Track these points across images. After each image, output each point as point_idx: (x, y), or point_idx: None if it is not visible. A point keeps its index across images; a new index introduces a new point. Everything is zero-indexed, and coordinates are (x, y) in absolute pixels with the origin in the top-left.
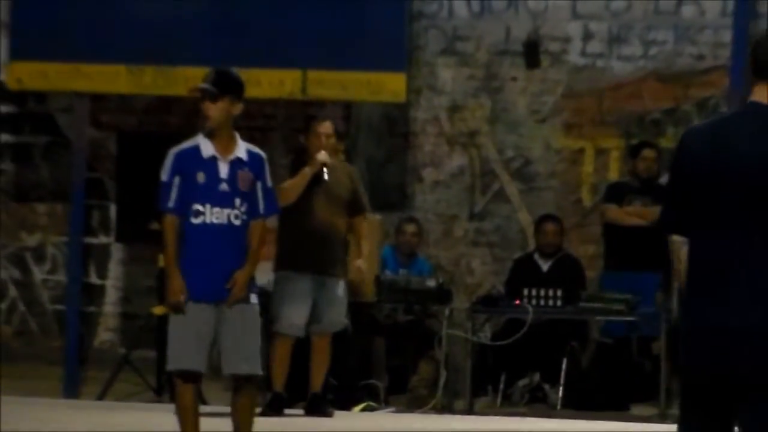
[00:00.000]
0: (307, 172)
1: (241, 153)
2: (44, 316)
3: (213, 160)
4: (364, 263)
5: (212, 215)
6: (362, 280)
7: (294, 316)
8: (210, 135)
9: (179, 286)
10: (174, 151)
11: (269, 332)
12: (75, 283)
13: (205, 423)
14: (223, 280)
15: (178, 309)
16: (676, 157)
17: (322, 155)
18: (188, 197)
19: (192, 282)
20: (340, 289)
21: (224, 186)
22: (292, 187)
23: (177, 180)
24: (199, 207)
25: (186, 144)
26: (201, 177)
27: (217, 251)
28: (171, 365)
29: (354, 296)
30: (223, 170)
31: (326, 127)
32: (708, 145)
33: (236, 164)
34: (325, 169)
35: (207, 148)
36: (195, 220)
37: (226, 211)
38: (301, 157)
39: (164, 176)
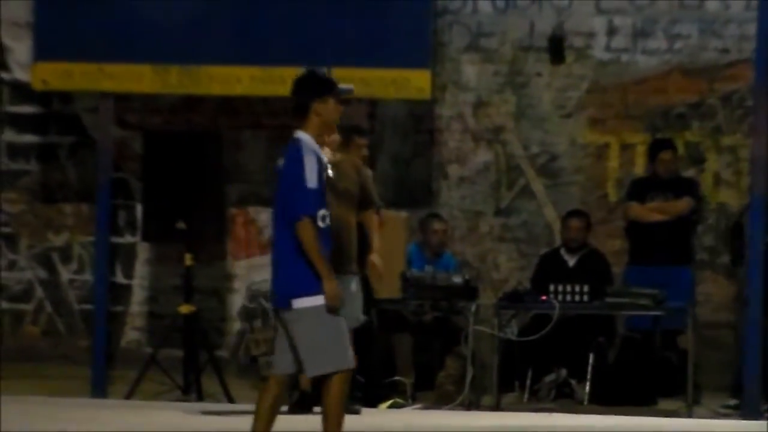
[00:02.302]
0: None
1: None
2: (71, 316)
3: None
4: (377, 258)
5: (327, 218)
6: (378, 276)
7: None
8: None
9: (339, 290)
10: (316, 155)
11: None
12: (102, 283)
13: (233, 421)
14: None
15: (335, 311)
16: None
17: (325, 152)
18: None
19: None
20: (354, 285)
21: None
22: None
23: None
24: (324, 211)
25: (313, 145)
26: (324, 182)
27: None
28: (342, 364)
29: (371, 292)
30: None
31: (364, 141)
32: None
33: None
34: (329, 166)
35: (323, 153)
36: (322, 224)
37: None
38: None
39: (312, 183)
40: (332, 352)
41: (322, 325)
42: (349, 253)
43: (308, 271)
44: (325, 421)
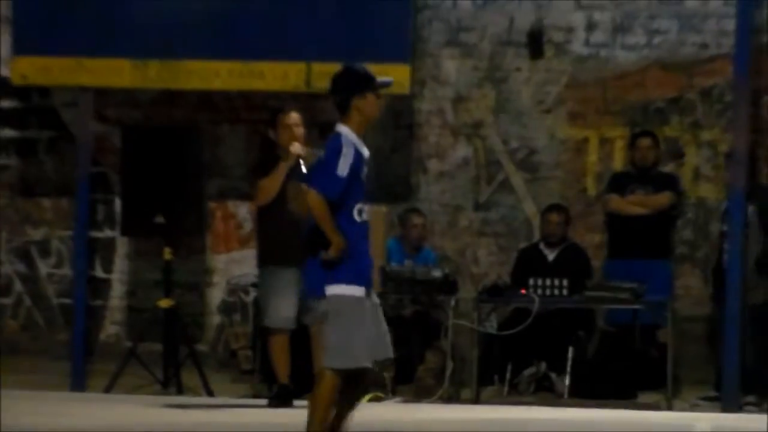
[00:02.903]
0: (284, 166)
1: None
2: (50, 310)
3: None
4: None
5: (365, 213)
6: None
7: (283, 310)
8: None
9: (345, 246)
10: (355, 149)
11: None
12: (81, 277)
13: (213, 415)
14: (371, 273)
15: (335, 261)
16: None
17: (296, 147)
18: (354, 195)
19: (365, 276)
20: None
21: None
22: (272, 183)
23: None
24: (360, 205)
25: (354, 139)
26: (362, 176)
27: (368, 247)
28: (344, 364)
29: None
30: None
31: (294, 118)
32: None
33: None
34: (301, 161)
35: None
36: (359, 219)
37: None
38: (269, 153)
39: (342, 172)
40: (348, 349)
41: (350, 319)
42: None
43: (343, 263)
44: (310, 412)
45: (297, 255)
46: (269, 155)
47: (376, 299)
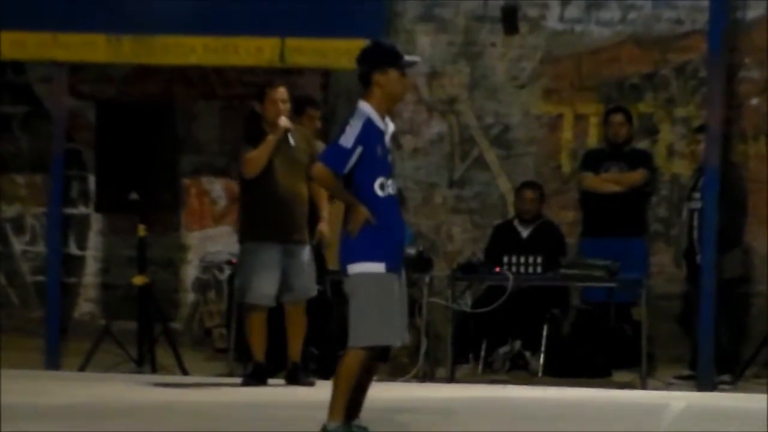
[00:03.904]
0: (272, 139)
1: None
2: (24, 287)
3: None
4: (326, 227)
5: (388, 187)
6: (327, 245)
7: (264, 287)
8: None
9: (367, 216)
10: (366, 122)
11: (241, 304)
12: (55, 254)
13: (187, 393)
14: (401, 251)
15: (354, 231)
16: None
17: (284, 121)
18: (372, 170)
19: (390, 253)
20: (307, 255)
21: (389, 158)
22: (259, 156)
23: (359, 150)
24: (382, 179)
25: (369, 113)
26: (379, 150)
27: (398, 221)
28: (368, 341)
29: (324, 263)
30: (387, 142)
31: (281, 92)
32: None
33: None
34: (289, 135)
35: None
36: (381, 193)
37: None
38: (255, 126)
39: (346, 143)
40: (371, 326)
41: (371, 296)
42: (300, 223)
43: (365, 239)
44: (334, 388)
45: (280, 231)
46: (255, 128)
47: (403, 280)
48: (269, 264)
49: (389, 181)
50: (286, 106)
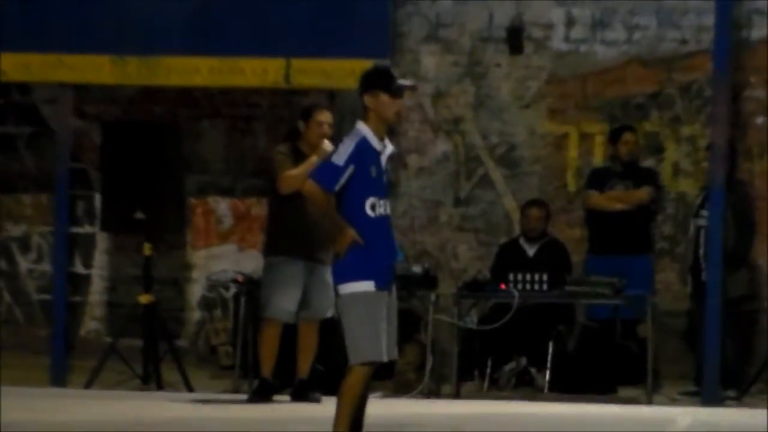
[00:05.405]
0: (314, 161)
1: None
2: (30, 306)
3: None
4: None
5: (379, 207)
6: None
7: (285, 302)
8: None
9: (353, 239)
10: (360, 141)
11: (257, 318)
12: (61, 273)
13: (193, 410)
14: (391, 270)
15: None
16: None
17: (328, 145)
18: (363, 189)
19: (378, 271)
20: (328, 275)
21: (385, 178)
22: (299, 175)
23: (351, 169)
24: (373, 199)
25: (366, 133)
26: (373, 171)
27: (389, 242)
28: (367, 357)
29: None
30: (383, 162)
31: (327, 116)
32: None
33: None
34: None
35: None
36: (372, 214)
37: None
38: (294, 143)
39: (338, 160)
40: (367, 342)
41: (361, 314)
42: (325, 243)
43: (354, 259)
44: (337, 406)
45: (306, 248)
46: (293, 146)
47: (393, 298)
48: (292, 280)
49: (381, 202)
50: (329, 131)
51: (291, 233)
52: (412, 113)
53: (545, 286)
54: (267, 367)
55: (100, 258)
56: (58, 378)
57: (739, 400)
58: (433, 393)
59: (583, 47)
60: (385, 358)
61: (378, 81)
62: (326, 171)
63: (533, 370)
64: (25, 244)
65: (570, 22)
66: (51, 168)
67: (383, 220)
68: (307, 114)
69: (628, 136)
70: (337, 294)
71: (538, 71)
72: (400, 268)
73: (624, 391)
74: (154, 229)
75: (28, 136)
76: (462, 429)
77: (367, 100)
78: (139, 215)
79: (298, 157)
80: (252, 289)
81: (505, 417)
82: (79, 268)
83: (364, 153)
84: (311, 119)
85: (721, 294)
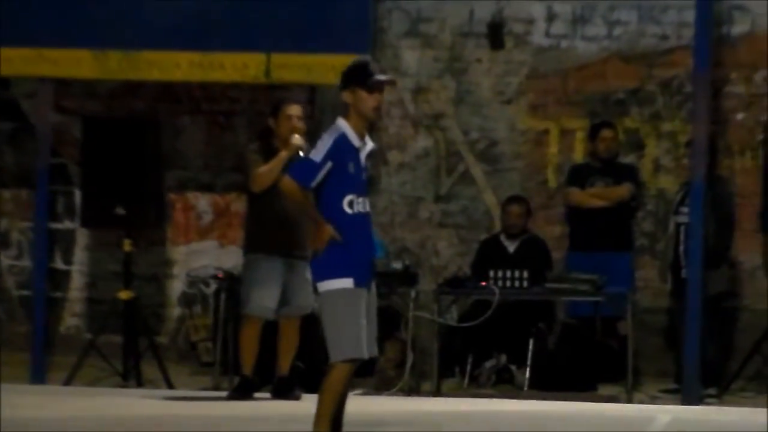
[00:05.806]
0: (283, 156)
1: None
2: (10, 302)
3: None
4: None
5: (357, 205)
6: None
7: (265, 299)
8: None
9: (331, 235)
10: (338, 138)
11: (238, 315)
12: (40, 269)
13: (173, 407)
14: (370, 267)
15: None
16: None
17: (297, 139)
18: (341, 186)
19: (357, 268)
20: (307, 271)
21: (364, 175)
22: (270, 171)
23: (328, 165)
24: (352, 197)
25: (345, 129)
26: (351, 167)
27: (367, 239)
28: (348, 354)
29: None
30: (362, 159)
31: (296, 109)
32: None
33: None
34: (301, 153)
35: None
36: (350, 211)
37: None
38: (268, 141)
39: (315, 157)
40: (348, 339)
41: (339, 311)
42: (303, 239)
43: (332, 256)
44: (318, 403)
45: (284, 245)
46: (267, 143)
47: (373, 295)
48: (271, 277)
49: (360, 199)
50: (300, 124)
51: (269, 230)
52: (392, 109)
53: (526, 283)
54: (248, 365)
55: (80, 254)
56: (38, 374)
57: (719, 398)
58: (414, 390)
59: (564, 43)
60: (366, 356)
61: (355, 77)
62: (303, 167)
63: (513, 368)
64: (4, 240)
65: (551, 18)
66: (31, 163)
67: (362, 217)
68: (276, 109)
69: (606, 133)
70: (316, 291)
71: (519, 67)
72: (380, 265)
73: (604, 389)
74: (134, 224)
75: (8, 131)
76: (442, 426)
77: (346, 96)
78: (120, 211)
79: (272, 155)
80: (232, 285)
81: (485, 414)
82: (59, 264)
83: (342, 149)
84: (280, 114)
85: (702, 291)
